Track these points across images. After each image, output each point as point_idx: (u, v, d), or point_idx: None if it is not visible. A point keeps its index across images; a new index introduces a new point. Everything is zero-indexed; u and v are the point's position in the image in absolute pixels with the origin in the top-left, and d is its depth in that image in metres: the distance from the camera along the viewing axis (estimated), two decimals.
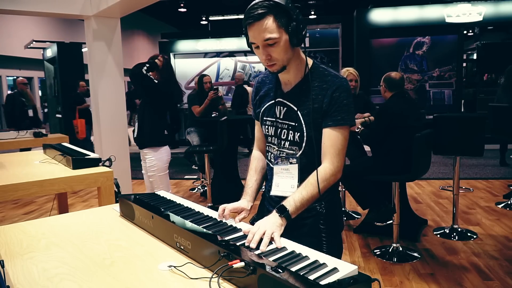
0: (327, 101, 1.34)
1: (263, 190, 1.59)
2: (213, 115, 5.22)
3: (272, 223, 1.21)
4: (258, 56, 1.36)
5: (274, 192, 1.47)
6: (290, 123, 1.42)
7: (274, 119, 1.46)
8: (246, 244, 1.13)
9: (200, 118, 5.14)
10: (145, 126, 3.26)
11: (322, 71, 1.40)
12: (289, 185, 1.43)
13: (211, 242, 1.07)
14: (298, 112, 1.39)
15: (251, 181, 1.53)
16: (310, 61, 1.41)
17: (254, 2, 1.28)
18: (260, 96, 1.53)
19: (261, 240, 1.14)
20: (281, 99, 1.44)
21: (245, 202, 1.44)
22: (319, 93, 1.36)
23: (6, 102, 7.15)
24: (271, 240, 1.15)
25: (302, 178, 1.38)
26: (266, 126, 1.50)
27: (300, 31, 1.30)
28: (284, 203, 1.29)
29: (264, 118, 1.50)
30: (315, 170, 1.33)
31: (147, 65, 3.14)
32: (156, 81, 3.17)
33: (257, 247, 1.12)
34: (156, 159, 3.26)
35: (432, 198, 4.78)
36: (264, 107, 1.50)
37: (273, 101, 1.46)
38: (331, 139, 1.35)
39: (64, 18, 14.09)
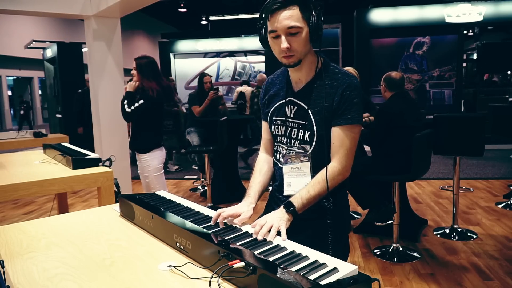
0: (338, 100, 1.34)
1: (270, 190, 1.59)
2: (220, 107, 5.22)
3: (279, 217, 1.24)
4: (274, 47, 1.35)
5: (287, 192, 1.45)
6: (300, 122, 1.41)
7: (284, 118, 1.46)
8: (253, 236, 1.17)
9: (200, 118, 5.14)
10: (141, 134, 3.27)
11: (333, 69, 1.40)
12: (302, 184, 1.42)
13: (211, 242, 1.07)
14: (309, 110, 1.39)
15: (255, 182, 1.50)
16: (321, 59, 1.41)
17: None
18: (269, 96, 1.53)
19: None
20: (291, 98, 1.44)
21: (245, 205, 1.39)
22: (329, 92, 1.36)
23: (75, 101, 6.92)
24: (277, 233, 1.18)
25: (314, 176, 1.38)
26: (276, 126, 1.49)
27: (320, 27, 1.31)
28: (292, 199, 1.31)
29: (274, 117, 1.49)
30: (323, 168, 1.34)
31: (125, 102, 3.15)
32: (143, 100, 3.12)
33: (264, 239, 1.15)
34: (151, 160, 3.27)
35: (432, 198, 4.78)
36: (274, 106, 1.49)
37: (283, 101, 1.46)
38: (341, 139, 1.35)
39: (64, 18, 14.10)
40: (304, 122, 1.40)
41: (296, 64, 1.35)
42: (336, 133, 1.36)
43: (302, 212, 1.31)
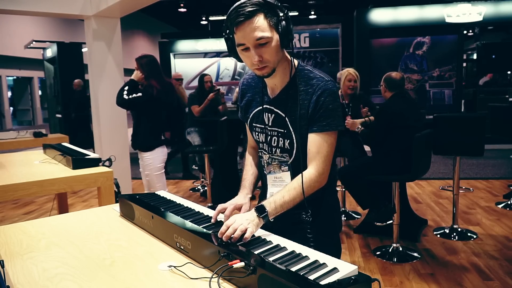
0: (313, 106, 1.30)
1: (259, 191, 1.58)
2: (220, 108, 5.23)
3: (248, 219, 1.19)
4: (245, 60, 1.30)
5: None
6: (279, 130, 1.38)
7: (263, 126, 1.42)
8: (219, 236, 1.14)
9: (199, 118, 5.14)
10: (140, 132, 3.28)
11: (307, 73, 1.34)
12: None
13: (211, 242, 1.07)
14: (286, 118, 1.35)
15: (248, 174, 1.52)
16: (295, 63, 1.35)
17: (240, 2, 1.22)
18: (247, 100, 1.48)
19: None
20: (268, 106, 1.40)
21: (242, 197, 1.42)
22: (304, 98, 1.32)
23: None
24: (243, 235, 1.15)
25: None
26: (256, 133, 1.46)
27: (290, 31, 1.26)
28: (264, 203, 1.25)
29: (253, 124, 1.46)
30: (300, 174, 1.31)
31: (126, 88, 3.14)
32: (141, 94, 3.12)
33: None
34: (152, 158, 3.28)
35: (432, 198, 4.78)
36: (252, 113, 1.46)
37: (260, 108, 1.42)
38: (317, 145, 1.31)
39: (64, 18, 14.11)
40: (283, 130, 1.37)
41: (270, 74, 1.29)
42: (312, 139, 1.32)
43: (275, 216, 1.26)
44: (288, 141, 1.36)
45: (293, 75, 1.35)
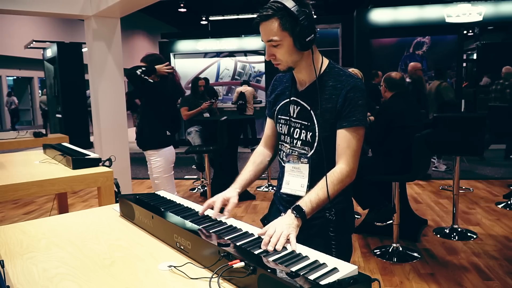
0: (341, 101, 1.35)
1: (275, 189, 1.60)
2: (205, 115, 5.23)
3: (288, 224, 1.18)
4: None
5: (284, 189, 1.47)
6: (303, 122, 1.42)
7: (287, 118, 1.47)
8: (262, 248, 1.10)
9: (201, 118, 5.14)
10: (146, 128, 3.19)
11: (337, 71, 1.41)
12: (299, 184, 1.43)
13: (211, 242, 1.07)
14: (311, 111, 1.40)
15: (245, 171, 1.54)
16: (326, 61, 1.43)
17: (269, 2, 1.32)
18: (276, 94, 1.55)
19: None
20: (295, 98, 1.45)
21: (231, 190, 1.44)
22: (333, 93, 1.37)
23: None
24: (287, 242, 1.13)
25: (312, 178, 1.38)
26: (280, 125, 1.51)
27: (305, 36, 1.31)
28: (300, 203, 1.27)
29: (279, 116, 1.51)
30: (331, 171, 1.33)
31: (143, 68, 3.07)
32: (152, 81, 3.07)
33: (274, 250, 1.09)
34: (161, 160, 3.18)
35: (432, 198, 4.78)
36: (279, 105, 1.51)
37: (287, 100, 1.48)
38: (346, 141, 1.35)
39: (64, 18, 14.10)
40: (306, 123, 1.41)
41: (286, 71, 1.40)
42: (342, 135, 1.35)
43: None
44: (311, 133, 1.40)
45: (323, 71, 1.40)
